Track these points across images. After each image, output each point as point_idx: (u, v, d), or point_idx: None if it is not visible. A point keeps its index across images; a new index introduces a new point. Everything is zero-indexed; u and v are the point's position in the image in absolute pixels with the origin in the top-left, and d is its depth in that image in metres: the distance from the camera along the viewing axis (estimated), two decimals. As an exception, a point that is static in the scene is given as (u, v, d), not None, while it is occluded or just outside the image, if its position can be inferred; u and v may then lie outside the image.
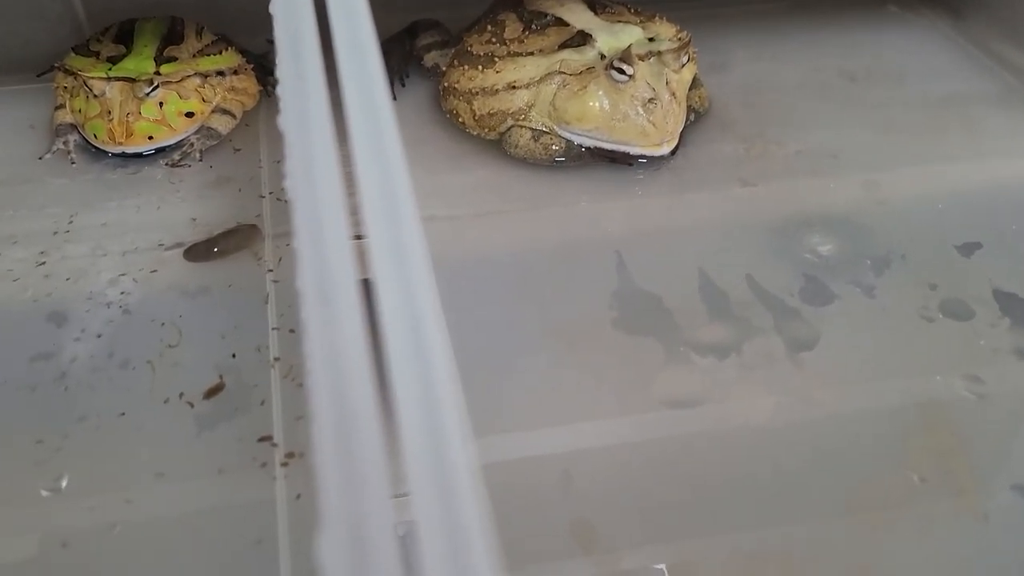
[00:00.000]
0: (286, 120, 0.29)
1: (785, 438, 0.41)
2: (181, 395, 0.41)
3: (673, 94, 0.53)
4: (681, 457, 0.40)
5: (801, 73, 0.65)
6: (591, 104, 0.53)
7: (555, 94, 0.54)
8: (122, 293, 0.46)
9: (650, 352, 0.44)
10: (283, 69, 0.31)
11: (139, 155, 0.56)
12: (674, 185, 0.54)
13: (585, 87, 0.53)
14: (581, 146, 0.54)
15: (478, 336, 0.45)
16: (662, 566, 0.36)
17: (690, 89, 0.57)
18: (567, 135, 0.54)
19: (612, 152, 0.54)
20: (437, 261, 0.49)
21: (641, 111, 0.52)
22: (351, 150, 0.29)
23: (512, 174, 0.55)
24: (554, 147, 0.55)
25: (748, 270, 0.48)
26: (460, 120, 0.57)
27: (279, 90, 0.30)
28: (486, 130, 0.56)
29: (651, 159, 0.55)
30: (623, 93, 0.52)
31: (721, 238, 0.51)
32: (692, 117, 0.58)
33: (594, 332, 0.45)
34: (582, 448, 0.40)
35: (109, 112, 0.54)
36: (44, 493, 0.38)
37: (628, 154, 0.54)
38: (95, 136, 0.55)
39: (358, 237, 0.27)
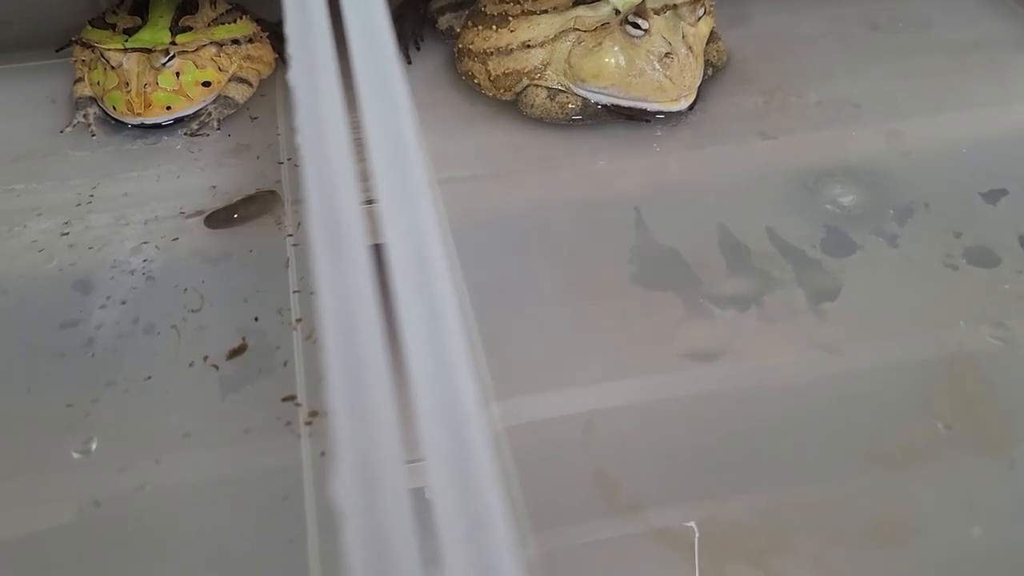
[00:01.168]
0: (296, 87, 0.29)
1: (808, 389, 0.41)
2: (206, 358, 0.42)
3: (690, 48, 0.52)
4: (704, 411, 0.40)
5: (822, 22, 0.63)
6: (606, 61, 0.52)
7: (570, 52, 0.53)
8: (145, 261, 0.47)
9: (670, 307, 0.44)
10: (291, 32, 0.31)
11: (158, 125, 0.56)
12: (692, 140, 0.54)
13: (600, 43, 0.52)
14: (598, 104, 0.54)
15: (499, 296, 0.45)
16: (692, 523, 0.36)
17: (707, 43, 0.56)
18: (583, 93, 0.54)
19: (629, 109, 0.54)
20: (456, 223, 0.49)
21: (657, 66, 0.52)
22: (360, 115, 0.29)
23: (529, 134, 0.55)
24: (570, 105, 0.54)
25: (768, 223, 0.48)
26: (476, 81, 0.57)
27: (288, 54, 0.30)
28: (502, 91, 0.56)
29: (669, 115, 0.54)
30: (639, 48, 0.51)
31: (741, 192, 0.50)
32: (710, 71, 0.57)
33: (614, 288, 0.45)
34: (605, 406, 0.41)
35: (127, 83, 0.54)
36: (75, 455, 0.38)
37: (645, 110, 0.53)
38: (114, 108, 0.55)
39: (369, 202, 0.27)
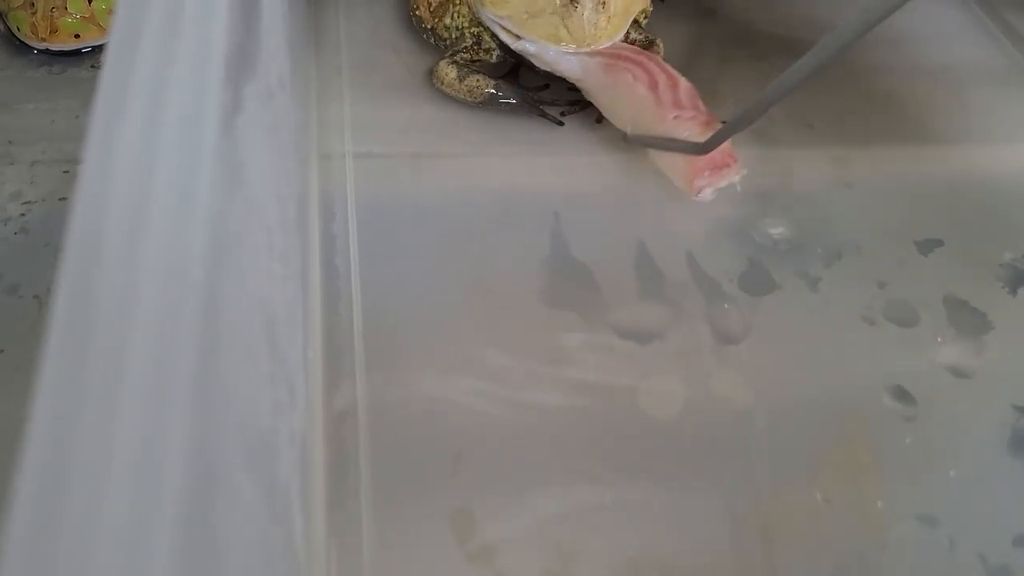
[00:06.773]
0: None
1: (689, 435, 0.39)
2: (67, 333, 0.39)
3: (603, 3, 0.48)
4: (579, 442, 0.38)
5: (789, 27, 0.60)
6: None
7: None
8: (23, 215, 0.44)
9: (569, 330, 0.42)
10: None
11: (67, 53, 0.52)
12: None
13: None
14: (510, 98, 0.50)
15: (391, 284, 0.43)
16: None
17: None
18: (484, 18, 0.50)
19: (540, 100, 0.51)
20: (362, 201, 0.46)
21: (559, 9, 0.47)
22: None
23: (460, 114, 0.52)
24: (481, 90, 0.50)
25: (691, 247, 0.46)
26: (417, 14, 0.54)
27: None
28: (437, 20, 0.53)
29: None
30: None
31: (669, 207, 0.47)
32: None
33: (515, 299, 0.43)
34: (476, 424, 0.39)
35: (32, 3, 0.50)
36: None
37: (561, 115, 0.51)
38: (18, 28, 0.51)
39: None
